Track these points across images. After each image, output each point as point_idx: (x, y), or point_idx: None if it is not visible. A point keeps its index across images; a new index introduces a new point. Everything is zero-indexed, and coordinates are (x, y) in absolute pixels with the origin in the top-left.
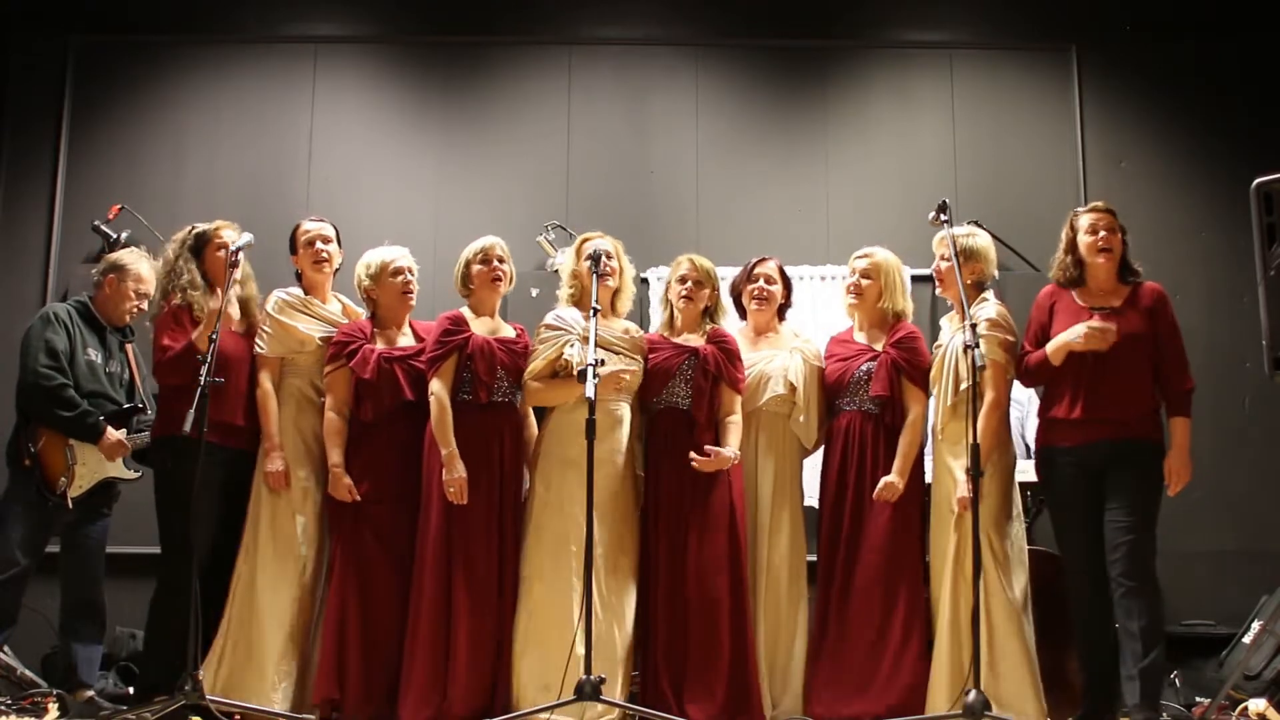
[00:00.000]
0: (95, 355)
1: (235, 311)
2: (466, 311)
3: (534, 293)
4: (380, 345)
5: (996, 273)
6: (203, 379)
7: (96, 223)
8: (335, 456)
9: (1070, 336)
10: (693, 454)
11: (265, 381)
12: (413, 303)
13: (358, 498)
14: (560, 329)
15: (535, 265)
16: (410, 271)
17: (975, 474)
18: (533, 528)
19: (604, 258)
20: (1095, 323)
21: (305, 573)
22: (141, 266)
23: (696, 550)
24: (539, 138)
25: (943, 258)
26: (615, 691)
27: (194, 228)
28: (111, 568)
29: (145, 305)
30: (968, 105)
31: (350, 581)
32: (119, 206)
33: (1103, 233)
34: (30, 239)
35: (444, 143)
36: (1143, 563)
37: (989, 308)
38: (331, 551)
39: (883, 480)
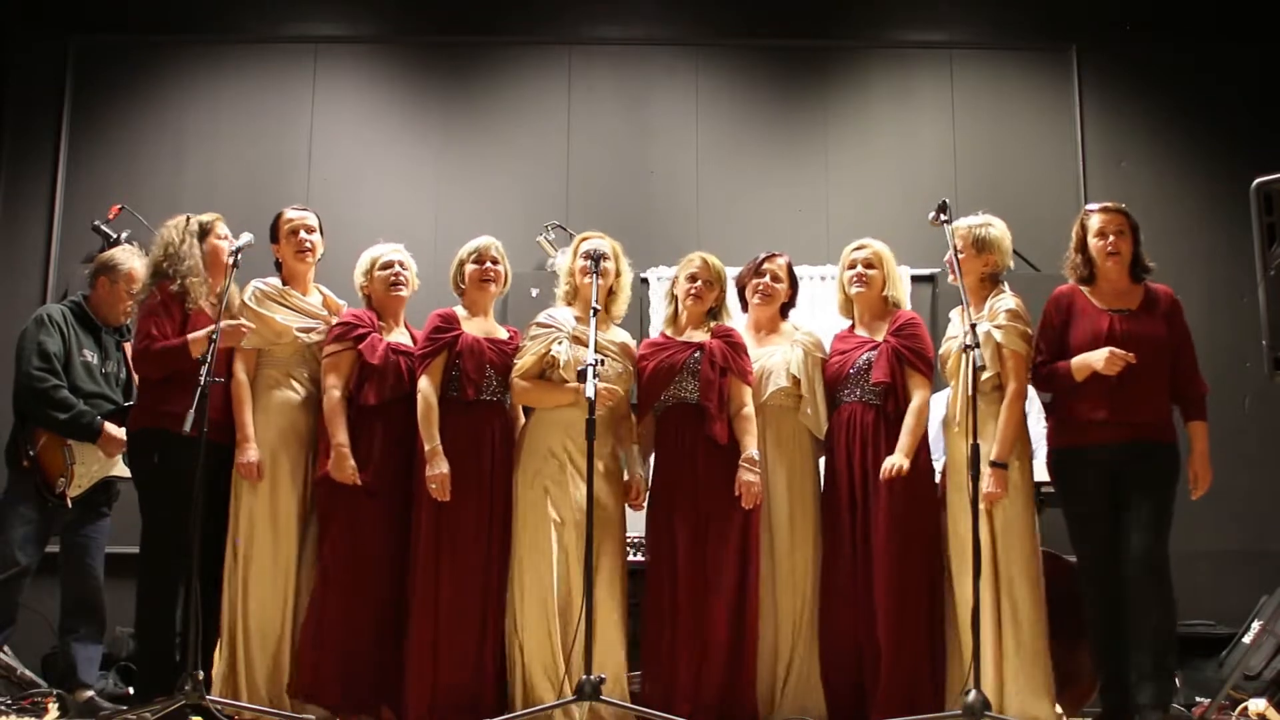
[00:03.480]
0: (91, 356)
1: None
2: (460, 310)
3: (534, 293)
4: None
5: (1012, 263)
6: (203, 379)
7: (96, 223)
8: (341, 436)
9: (1094, 360)
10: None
11: (240, 373)
12: (402, 293)
13: (358, 481)
14: (550, 327)
15: (535, 265)
16: (401, 265)
17: (975, 474)
18: (517, 529)
19: (600, 259)
20: (1120, 353)
21: (290, 565)
22: (134, 264)
23: (711, 542)
24: (539, 137)
25: (958, 249)
26: (624, 694)
27: (189, 216)
28: (111, 568)
29: None
30: (968, 105)
31: (339, 576)
32: (119, 206)
33: (1111, 237)
34: (30, 239)
35: (444, 143)
36: (1157, 564)
37: (1007, 299)
38: (321, 542)
39: (889, 460)
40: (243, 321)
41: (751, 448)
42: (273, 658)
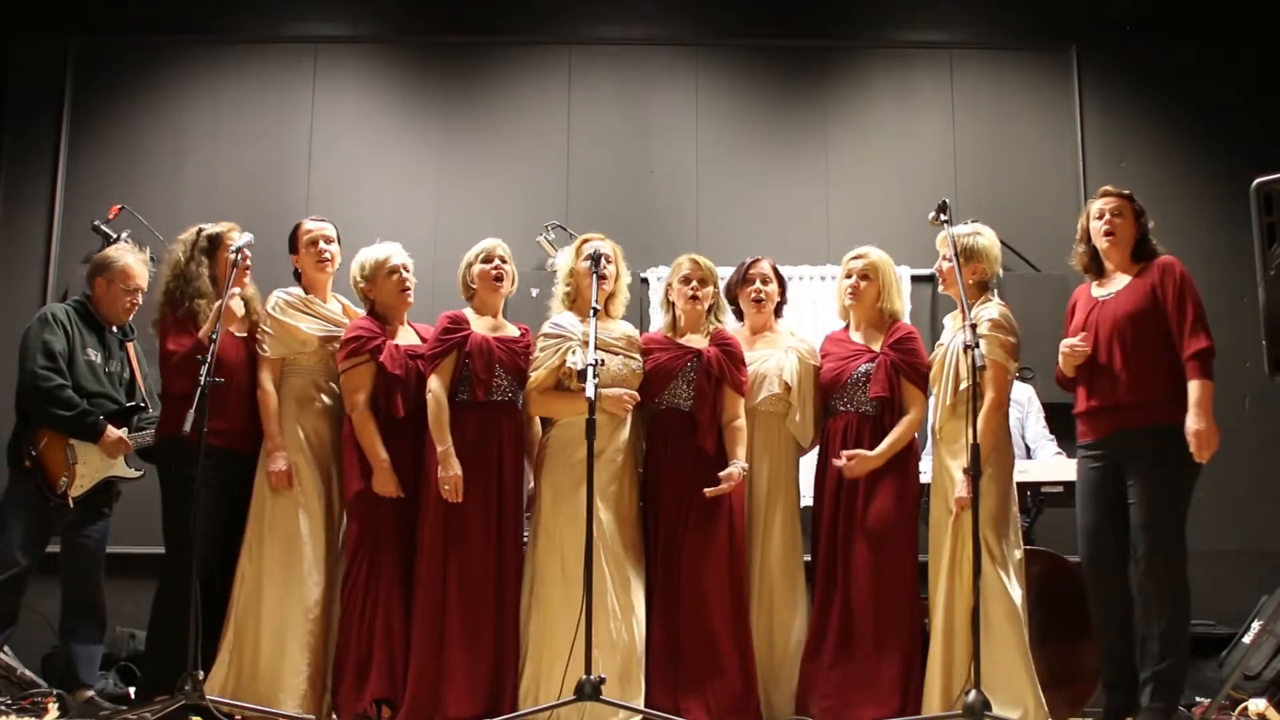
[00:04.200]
0: (95, 355)
1: (239, 308)
2: (469, 312)
3: (534, 293)
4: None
5: (1001, 271)
6: (202, 380)
7: (96, 223)
8: (382, 452)
9: (1060, 357)
10: (706, 491)
11: (266, 382)
12: (411, 299)
13: (401, 494)
14: (560, 336)
15: (535, 265)
16: (406, 268)
17: (975, 474)
18: (543, 533)
19: (603, 259)
20: (1070, 343)
21: (313, 572)
22: (128, 260)
23: (695, 550)
24: (539, 138)
25: (944, 258)
26: (639, 691)
27: (201, 229)
28: (111, 568)
29: (139, 299)
30: (968, 105)
31: (397, 583)
32: (119, 206)
33: (1107, 217)
34: (30, 239)
35: (444, 143)
36: (1165, 562)
37: (991, 308)
38: (371, 552)
39: (855, 451)
40: (235, 292)
41: (740, 458)
42: (298, 664)
